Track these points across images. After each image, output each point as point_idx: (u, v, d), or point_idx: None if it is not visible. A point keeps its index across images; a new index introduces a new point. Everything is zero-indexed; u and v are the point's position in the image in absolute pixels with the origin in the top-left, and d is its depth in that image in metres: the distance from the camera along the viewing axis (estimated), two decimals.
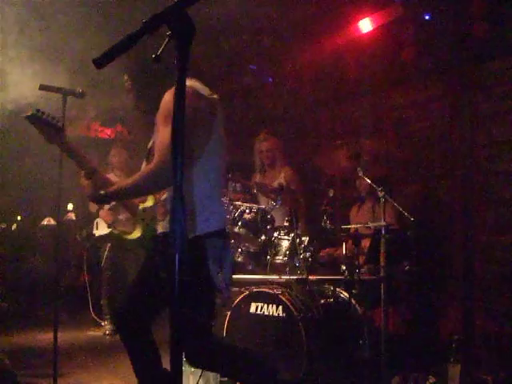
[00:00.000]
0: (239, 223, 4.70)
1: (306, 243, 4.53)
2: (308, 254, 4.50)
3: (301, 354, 3.87)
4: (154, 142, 2.94)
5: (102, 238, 7.16)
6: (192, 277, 2.67)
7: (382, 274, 4.22)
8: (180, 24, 1.50)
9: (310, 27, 6.37)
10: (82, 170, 3.02)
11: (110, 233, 7.12)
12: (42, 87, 3.78)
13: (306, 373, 3.87)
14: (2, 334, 6.66)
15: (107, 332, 7.02)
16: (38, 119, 3.03)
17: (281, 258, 4.55)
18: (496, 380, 4.32)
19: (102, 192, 2.80)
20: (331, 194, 4.76)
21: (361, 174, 4.63)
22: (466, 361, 4.54)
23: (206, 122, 2.86)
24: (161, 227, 2.93)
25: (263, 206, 4.66)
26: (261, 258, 4.60)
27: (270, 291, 4.25)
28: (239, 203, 4.67)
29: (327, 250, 5.15)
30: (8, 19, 5.08)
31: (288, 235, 4.57)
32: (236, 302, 4.40)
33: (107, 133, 10.09)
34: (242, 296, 4.39)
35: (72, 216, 8.25)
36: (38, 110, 3.06)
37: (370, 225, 4.55)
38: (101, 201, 3.03)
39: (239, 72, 7.66)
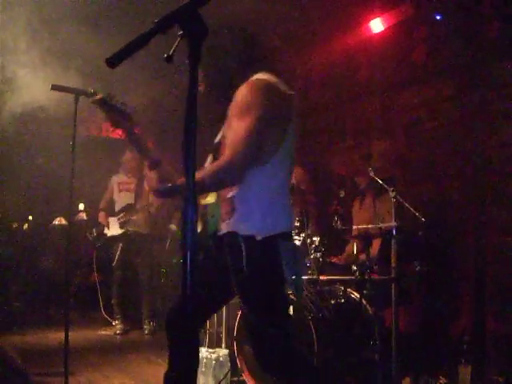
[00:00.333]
0: None
1: (316, 243, 4.53)
2: (319, 255, 4.49)
3: (311, 354, 3.87)
4: (223, 137, 2.82)
5: (114, 238, 7.20)
6: (266, 278, 2.65)
7: (392, 275, 4.21)
8: (192, 24, 1.50)
9: (321, 27, 6.37)
10: (145, 160, 2.88)
11: (124, 233, 7.16)
12: (55, 87, 3.80)
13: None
14: (15, 333, 6.70)
15: (118, 331, 7.06)
16: (106, 104, 2.94)
17: None
18: (507, 381, 4.31)
19: (169, 185, 2.69)
20: (342, 195, 4.76)
21: (372, 174, 4.62)
22: (476, 362, 4.53)
23: (281, 120, 2.71)
24: (226, 226, 2.73)
25: None
26: None
27: None
28: None
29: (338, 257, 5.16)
30: (17, 21, 5.11)
31: (299, 235, 4.57)
32: None
33: (119, 133, 10.12)
34: None
35: (83, 216, 8.29)
36: (108, 95, 2.98)
37: (382, 225, 4.55)
38: (165, 194, 2.89)
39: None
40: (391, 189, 4.36)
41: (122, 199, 7.33)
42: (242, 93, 2.62)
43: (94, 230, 7.30)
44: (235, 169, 2.54)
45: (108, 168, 7.75)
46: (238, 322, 4.38)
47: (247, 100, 2.58)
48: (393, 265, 4.20)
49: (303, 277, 4.35)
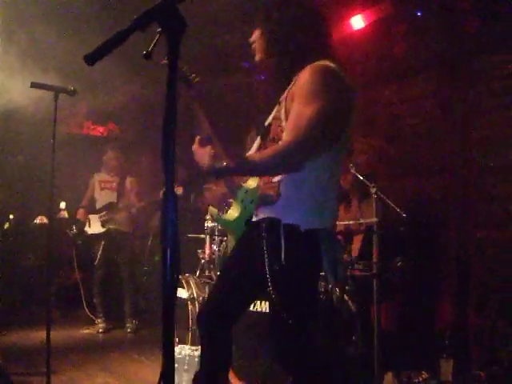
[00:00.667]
0: None
1: None
2: None
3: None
4: (275, 119, 2.70)
5: (96, 236, 7.17)
6: (304, 272, 2.57)
7: (374, 271, 4.22)
8: (171, 20, 1.50)
9: None
10: (200, 134, 2.69)
11: (106, 231, 7.13)
12: (34, 85, 3.78)
13: None
14: None
15: (100, 330, 7.03)
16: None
17: None
18: (488, 375, 4.34)
19: (224, 164, 2.49)
20: None
21: (353, 170, 4.63)
22: (458, 357, 4.56)
23: (344, 111, 2.62)
24: (266, 212, 2.63)
25: None
26: None
27: None
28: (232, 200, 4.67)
29: None
30: None
31: None
32: None
33: (100, 130, 10.09)
34: None
35: (65, 214, 8.23)
36: (186, 68, 2.84)
37: (363, 221, 4.56)
38: (219, 173, 2.64)
39: (231, 69, 7.66)
40: (372, 184, 4.37)
41: (103, 197, 7.30)
42: (307, 76, 2.51)
43: (74, 227, 7.25)
44: (297, 154, 2.45)
45: (89, 166, 7.71)
46: None
47: (314, 85, 2.47)
48: (374, 260, 4.21)
49: None
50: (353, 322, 4.24)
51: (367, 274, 4.37)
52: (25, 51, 5.22)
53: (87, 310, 7.31)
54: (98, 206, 7.28)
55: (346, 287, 4.35)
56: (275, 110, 2.75)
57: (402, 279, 4.91)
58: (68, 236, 7.28)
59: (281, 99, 2.72)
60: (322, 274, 2.78)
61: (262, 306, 4.17)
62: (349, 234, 4.68)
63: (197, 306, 5.04)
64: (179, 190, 6.44)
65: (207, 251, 5.11)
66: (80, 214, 7.33)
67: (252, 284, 2.77)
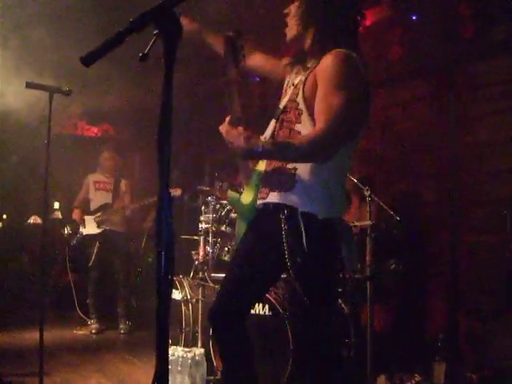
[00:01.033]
0: (226, 222, 4.72)
1: None
2: None
3: (287, 352, 3.88)
4: (291, 101, 2.65)
5: (91, 237, 7.15)
6: (326, 258, 2.57)
7: (368, 273, 4.23)
8: (167, 23, 1.50)
9: None
10: (230, 114, 2.61)
11: (102, 232, 7.12)
12: (29, 85, 3.77)
13: (292, 371, 3.88)
14: None
15: (93, 331, 7.01)
16: (233, 45, 2.72)
17: None
18: (481, 378, 4.35)
19: (261, 145, 2.41)
20: None
21: (347, 173, 4.63)
22: (451, 359, 4.57)
23: (366, 102, 2.61)
24: (277, 197, 2.60)
25: None
26: None
27: None
28: (226, 202, 4.68)
29: None
30: None
31: None
32: None
33: (94, 131, 10.09)
34: None
35: (58, 214, 8.23)
36: (239, 32, 2.77)
37: (357, 223, 4.57)
38: (252, 154, 2.51)
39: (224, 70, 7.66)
40: (366, 188, 4.38)
41: (98, 198, 7.29)
42: (335, 63, 2.48)
43: (68, 228, 7.24)
44: (330, 144, 2.43)
45: (83, 166, 7.71)
46: None
47: (342, 73, 2.46)
48: (368, 263, 4.22)
49: None
50: (346, 325, 4.25)
51: (361, 277, 4.38)
52: (19, 52, 5.21)
53: (80, 312, 7.30)
54: (93, 206, 7.26)
55: (340, 289, 4.36)
56: (290, 93, 2.71)
57: (395, 282, 4.92)
58: (61, 236, 7.27)
59: (296, 82, 2.70)
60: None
61: (255, 308, 4.18)
62: None
63: (190, 307, 5.03)
64: (177, 192, 6.44)
65: (201, 253, 5.10)
66: (75, 214, 7.31)
67: (269, 271, 2.75)
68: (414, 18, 5.72)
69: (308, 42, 2.68)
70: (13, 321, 7.19)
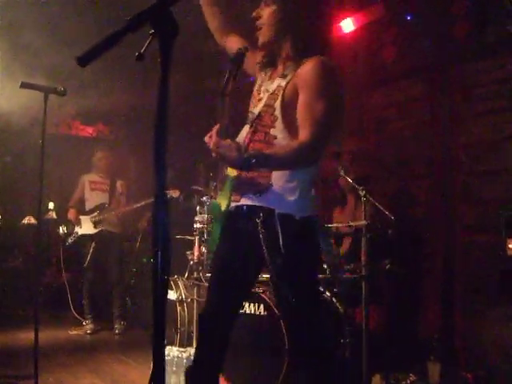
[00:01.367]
0: None
1: None
2: None
3: (282, 352, 3.88)
4: (267, 106, 2.69)
5: (87, 237, 7.14)
6: (305, 256, 2.63)
7: (362, 273, 4.24)
8: (163, 23, 1.50)
9: None
10: (219, 124, 2.53)
11: (98, 232, 7.10)
12: (24, 85, 3.76)
13: (287, 371, 3.88)
14: None
15: (88, 331, 7.01)
16: (241, 59, 2.71)
17: None
18: (476, 377, 4.37)
19: (252, 158, 2.37)
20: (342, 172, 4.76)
21: (342, 173, 4.65)
22: (445, 359, 4.58)
23: (341, 107, 2.72)
24: (252, 200, 2.65)
25: None
26: None
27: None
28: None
29: None
30: None
31: None
32: None
33: (88, 131, 10.07)
34: None
35: (53, 215, 8.20)
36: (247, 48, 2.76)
37: (352, 223, 4.57)
38: (245, 165, 2.41)
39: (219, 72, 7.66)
40: (361, 187, 4.38)
41: (93, 198, 7.27)
42: (316, 71, 2.54)
43: (63, 228, 7.22)
44: (318, 149, 2.57)
45: (77, 166, 7.69)
46: None
47: (324, 81, 2.54)
48: (363, 263, 4.23)
49: None
50: (340, 324, 4.25)
51: (355, 277, 4.39)
52: (12, 53, 5.20)
53: (74, 312, 7.28)
54: (88, 206, 7.25)
55: (334, 289, 4.37)
56: (266, 98, 2.73)
57: (390, 282, 4.93)
58: (56, 236, 7.25)
59: (272, 88, 2.72)
60: None
61: (250, 308, 4.18)
62: (338, 236, 4.69)
63: (185, 307, 5.03)
64: (176, 193, 6.43)
65: (196, 253, 5.10)
66: (71, 213, 7.29)
67: (249, 274, 2.80)
68: (408, 18, 5.73)
69: (285, 47, 2.72)
70: (7, 321, 7.17)
